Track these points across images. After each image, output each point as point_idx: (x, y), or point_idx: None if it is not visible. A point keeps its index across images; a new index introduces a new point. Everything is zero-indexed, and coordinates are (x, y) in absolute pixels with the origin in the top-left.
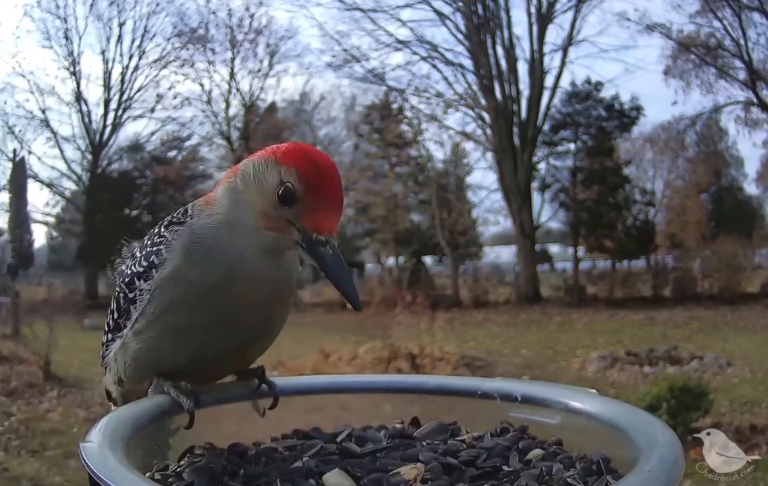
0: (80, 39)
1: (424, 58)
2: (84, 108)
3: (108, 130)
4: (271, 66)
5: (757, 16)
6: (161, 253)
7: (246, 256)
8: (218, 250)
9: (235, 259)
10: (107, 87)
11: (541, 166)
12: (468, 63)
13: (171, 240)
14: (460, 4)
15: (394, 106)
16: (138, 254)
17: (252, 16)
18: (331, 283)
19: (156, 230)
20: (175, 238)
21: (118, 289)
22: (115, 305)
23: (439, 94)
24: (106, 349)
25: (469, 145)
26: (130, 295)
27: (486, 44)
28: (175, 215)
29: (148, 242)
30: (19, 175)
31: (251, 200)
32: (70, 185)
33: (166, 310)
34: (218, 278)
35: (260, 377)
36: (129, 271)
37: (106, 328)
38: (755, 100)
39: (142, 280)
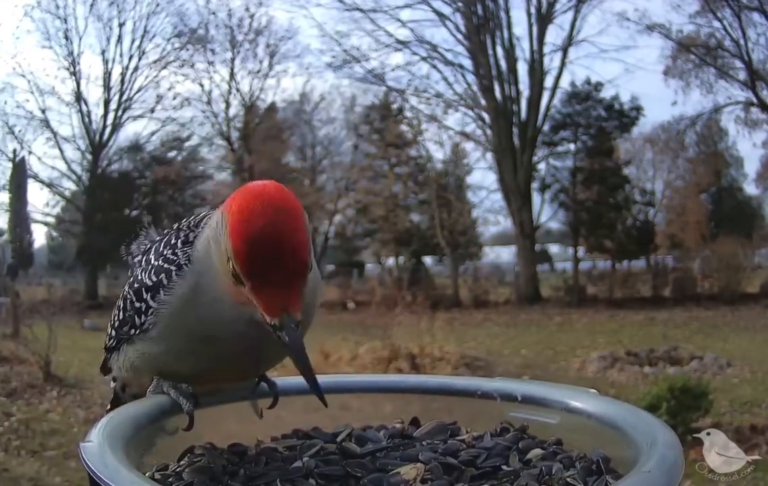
0: (80, 39)
1: (423, 59)
2: (84, 108)
3: (108, 130)
4: (270, 66)
5: (757, 16)
6: (172, 276)
7: (227, 322)
8: (206, 299)
9: (216, 318)
10: (107, 87)
11: (541, 166)
12: (468, 63)
13: (183, 263)
14: (460, 4)
15: (394, 106)
16: (152, 260)
17: (252, 16)
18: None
19: (176, 241)
20: (180, 276)
21: (127, 287)
22: (122, 304)
23: (438, 95)
24: (110, 346)
25: (468, 146)
26: (137, 305)
27: (486, 45)
28: (192, 225)
29: (165, 251)
30: (19, 175)
31: (219, 263)
32: (70, 185)
33: (168, 336)
34: (207, 331)
35: (260, 376)
36: (140, 277)
37: (110, 325)
38: (755, 100)
39: (149, 295)
